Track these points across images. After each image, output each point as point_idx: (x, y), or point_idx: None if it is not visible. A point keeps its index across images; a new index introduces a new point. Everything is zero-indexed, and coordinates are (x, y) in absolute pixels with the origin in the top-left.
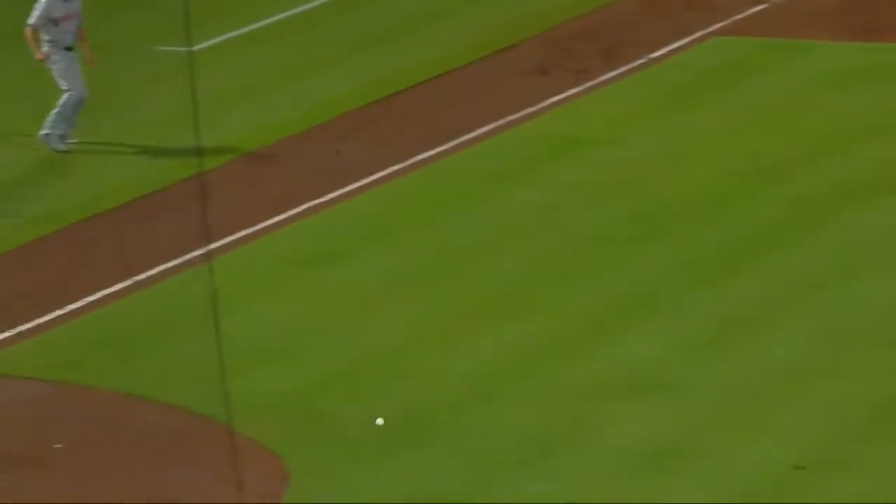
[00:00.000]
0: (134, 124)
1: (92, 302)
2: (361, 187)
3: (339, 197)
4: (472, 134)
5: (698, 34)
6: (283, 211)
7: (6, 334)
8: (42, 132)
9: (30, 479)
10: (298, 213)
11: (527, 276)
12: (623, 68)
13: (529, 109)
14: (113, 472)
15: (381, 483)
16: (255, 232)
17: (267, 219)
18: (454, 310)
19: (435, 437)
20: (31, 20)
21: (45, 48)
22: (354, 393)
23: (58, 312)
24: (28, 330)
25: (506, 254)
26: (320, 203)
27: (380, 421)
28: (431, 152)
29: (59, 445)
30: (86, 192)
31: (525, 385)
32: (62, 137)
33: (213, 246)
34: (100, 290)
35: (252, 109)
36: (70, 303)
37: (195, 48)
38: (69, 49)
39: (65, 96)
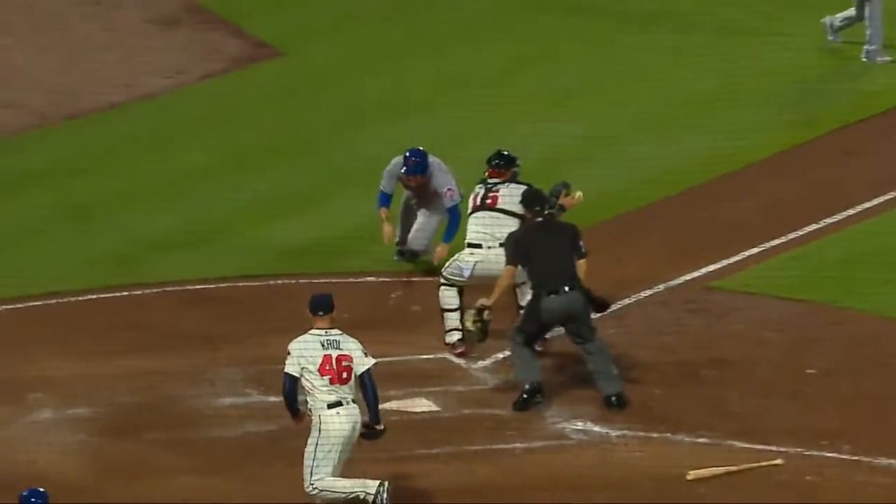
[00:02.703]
0: None
1: (849, 216)
2: None
3: None
4: None
5: None
6: None
7: (755, 250)
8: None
9: (777, 406)
10: None
11: None
12: None
13: None
14: (863, 401)
15: None
16: None
17: None
18: None
19: None
20: None
21: None
22: None
23: (812, 227)
24: (779, 245)
25: None
26: None
27: None
28: None
29: (811, 371)
30: (846, 97)
31: None
32: (875, 53)
33: None
34: (857, 203)
35: None
36: (826, 217)
37: None
38: None
39: (868, 11)
